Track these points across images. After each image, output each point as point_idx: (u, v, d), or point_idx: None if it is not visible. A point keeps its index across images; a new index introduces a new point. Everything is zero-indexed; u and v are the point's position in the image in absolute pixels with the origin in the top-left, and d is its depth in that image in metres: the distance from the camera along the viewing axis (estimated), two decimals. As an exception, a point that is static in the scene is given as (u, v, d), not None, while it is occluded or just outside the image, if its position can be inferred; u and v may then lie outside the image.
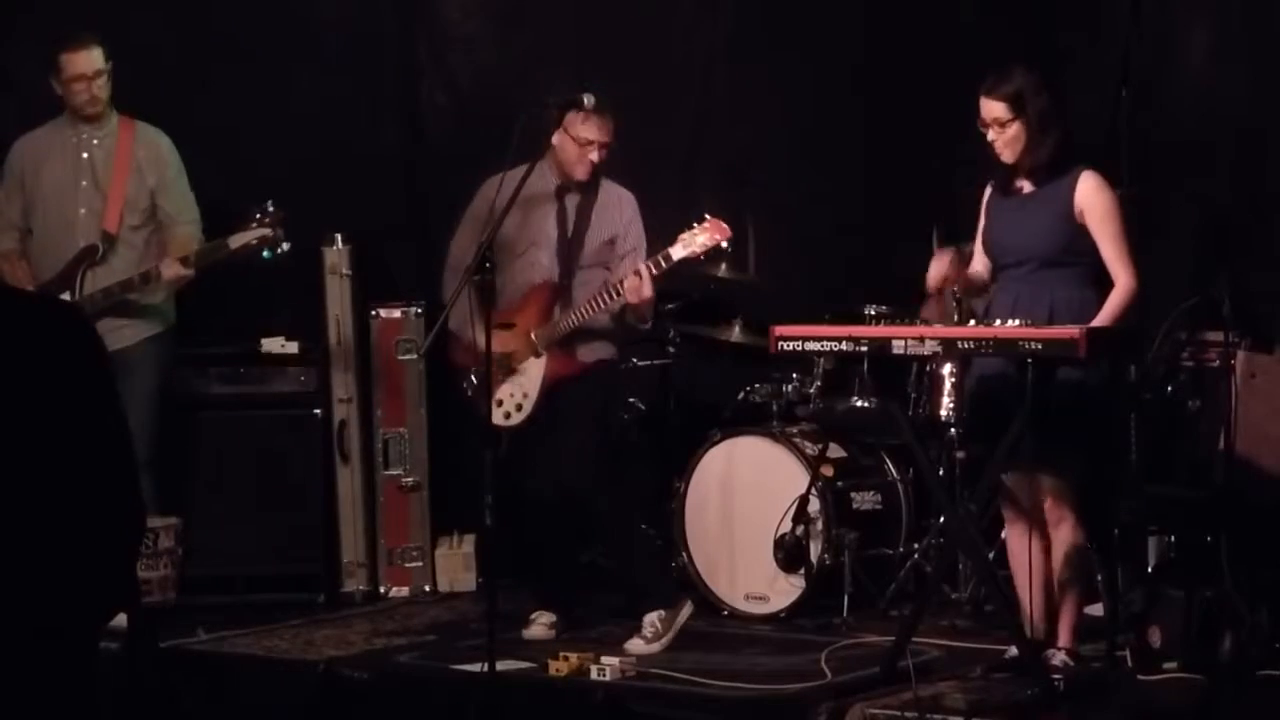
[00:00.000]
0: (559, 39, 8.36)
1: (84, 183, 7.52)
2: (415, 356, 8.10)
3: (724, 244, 6.87)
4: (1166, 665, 6.14)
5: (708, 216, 6.86)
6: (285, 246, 7.39)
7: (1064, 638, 6.15)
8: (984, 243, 6.32)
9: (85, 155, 7.55)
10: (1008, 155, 6.15)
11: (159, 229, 7.57)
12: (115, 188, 7.50)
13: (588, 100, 6.82)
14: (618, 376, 7.32)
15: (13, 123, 7.73)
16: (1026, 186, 6.20)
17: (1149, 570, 6.63)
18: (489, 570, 6.98)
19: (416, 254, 8.45)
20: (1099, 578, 6.52)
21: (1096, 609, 6.47)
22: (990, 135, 6.13)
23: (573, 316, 6.94)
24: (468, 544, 8.12)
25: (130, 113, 7.62)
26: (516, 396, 6.99)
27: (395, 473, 8.16)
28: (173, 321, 7.66)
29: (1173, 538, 6.61)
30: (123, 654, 6.50)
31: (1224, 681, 5.99)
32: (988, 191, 6.34)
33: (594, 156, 6.92)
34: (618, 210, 7.04)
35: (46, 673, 3.47)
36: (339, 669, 6.66)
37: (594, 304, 6.91)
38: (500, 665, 6.17)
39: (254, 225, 7.40)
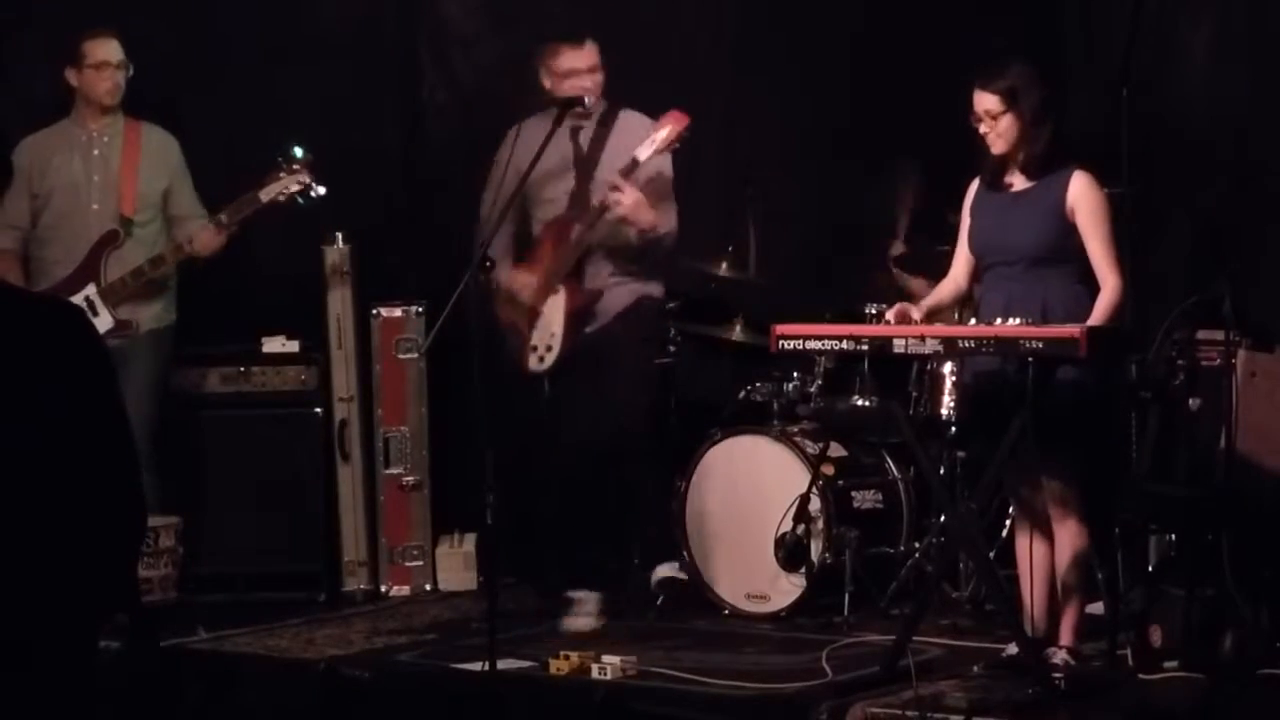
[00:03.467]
0: (560, 38, 8.35)
1: (96, 178, 7.57)
2: (416, 355, 8.10)
3: (685, 132, 6.83)
4: (1167, 664, 6.13)
5: (670, 113, 6.86)
6: (320, 191, 7.45)
7: (1065, 637, 6.15)
8: (970, 240, 6.31)
9: (96, 152, 7.60)
10: (999, 146, 6.14)
11: (168, 225, 7.60)
12: (126, 175, 7.54)
13: (588, 100, 6.83)
14: (655, 318, 7.27)
15: (13, 123, 7.74)
16: (1017, 183, 6.20)
17: (1149, 569, 6.63)
18: (490, 569, 6.97)
19: (417, 253, 8.46)
20: (1099, 577, 6.52)
21: (1097, 608, 6.47)
22: (982, 128, 6.13)
23: (574, 245, 6.92)
24: (468, 543, 8.12)
25: (131, 113, 7.64)
26: (545, 338, 6.97)
27: (396, 471, 8.16)
28: (173, 319, 7.67)
29: (1173, 537, 6.61)
30: (123, 654, 6.51)
31: (1224, 681, 5.98)
32: (972, 188, 6.34)
33: (586, 83, 6.91)
34: (633, 138, 7.00)
35: (46, 672, 3.47)
36: (340, 668, 6.66)
37: (584, 223, 6.88)
38: (501, 664, 6.17)
39: (282, 175, 7.43)
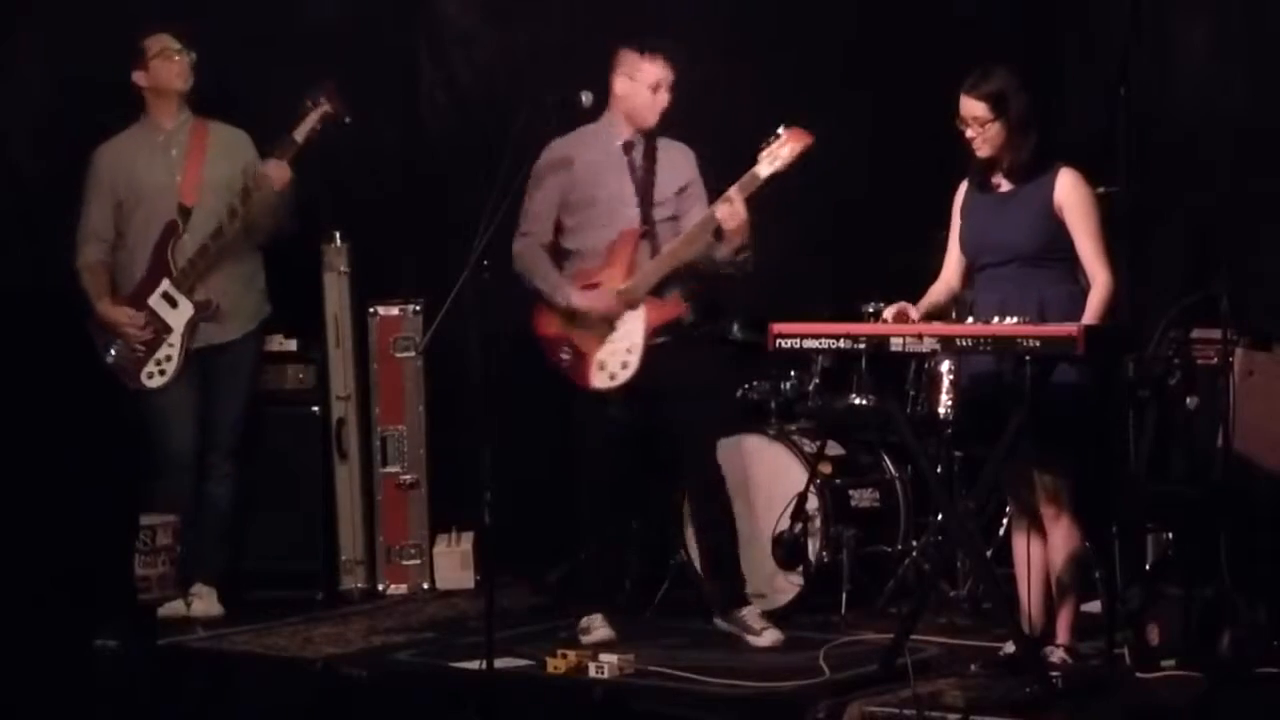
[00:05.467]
0: (558, 36, 8.37)
1: (178, 179, 7.60)
2: (413, 354, 8.11)
3: (807, 150, 6.76)
4: (1165, 663, 6.14)
5: (783, 128, 6.79)
6: (347, 118, 7.55)
7: (1062, 635, 6.16)
8: (961, 242, 6.33)
9: (174, 152, 7.63)
10: (985, 151, 6.17)
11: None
12: (191, 166, 7.59)
13: (585, 98, 6.84)
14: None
15: (12, 123, 7.74)
16: (1004, 184, 6.22)
17: (1147, 568, 6.63)
18: (487, 568, 6.97)
19: (415, 251, 8.46)
20: (1097, 575, 6.53)
21: (1095, 606, 6.48)
22: (969, 133, 6.16)
23: (665, 260, 6.88)
24: (466, 541, 8.12)
25: (199, 112, 7.72)
26: (619, 354, 6.89)
27: (393, 470, 8.17)
28: (268, 311, 7.78)
29: (1171, 535, 6.61)
30: (122, 652, 6.51)
31: (1222, 679, 5.99)
32: (961, 189, 6.36)
33: (665, 100, 6.92)
34: (683, 160, 7.06)
35: (43, 670, 3.48)
36: (337, 667, 6.66)
37: (686, 242, 6.85)
38: (498, 663, 6.17)
39: (310, 111, 7.52)
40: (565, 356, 6.97)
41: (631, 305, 6.91)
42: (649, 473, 7.25)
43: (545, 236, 7.00)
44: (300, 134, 7.52)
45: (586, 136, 7.02)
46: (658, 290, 6.94)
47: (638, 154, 7.03)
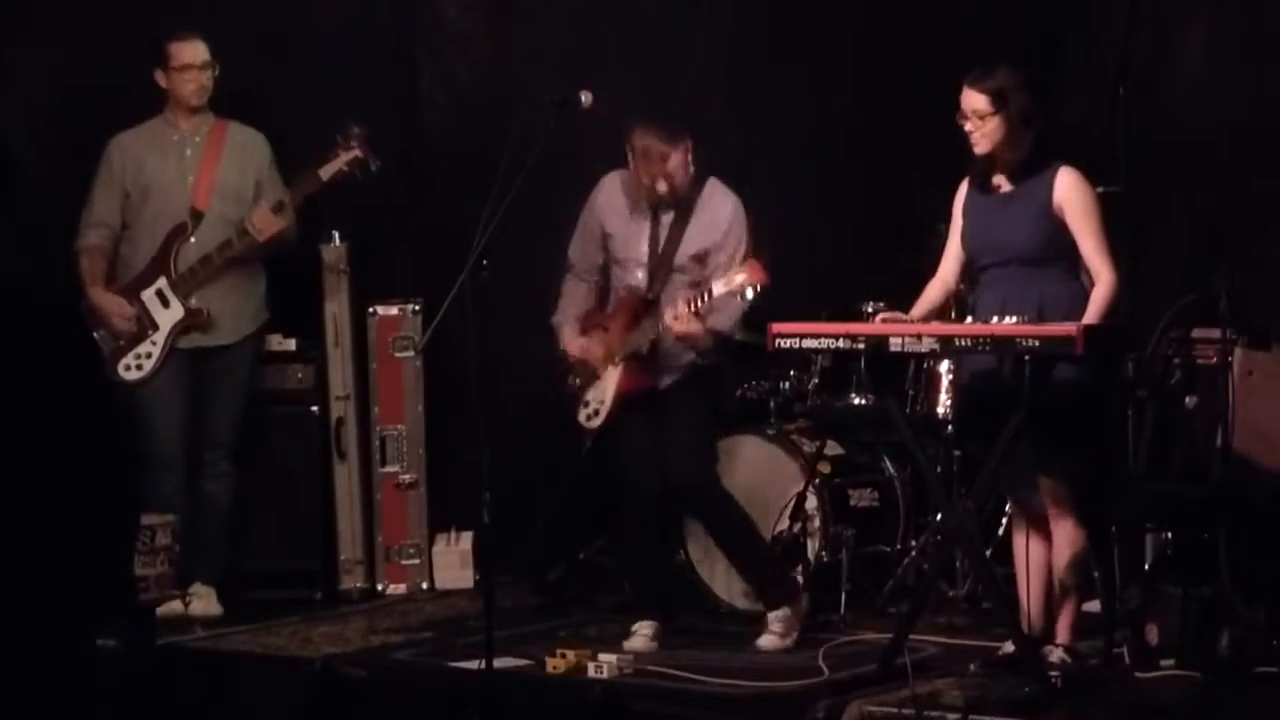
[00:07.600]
0: (557, 36, 8.37)
1: (190, 178, 7.64)
2: (412, 354, 8.11)
3: (756, 289, 6.66)
4: (1163, 663, 6.15)
5: (751, 260, 6.74)
6: (375, 166, 7.60)
7: (1062, 635, 6.16)
8: (962, 242, 6.32)
9: (189, 152, 7.67)
10: (983, 147, 6.15)
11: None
12: (205, 169, 7.62)
13: (585, 98, 6.82)
14: (718, 376, 7.17)
15: (13, 123, 7.74)
16: (1004, 185, 6.21)
17: (1146, 568, 6.64)
18: (486, 567, 6.97)
19: (414, 251, 8.46)
20: (1096, 575, 6.53)
21: (1094, 606, 6.48)
22: (968, 127, 6.14)
23: (646, 335, 6.87)
24: (465, 541, 8.12)
25: (220, 112, 7.74)
26: (594, 402, 6.99)
27: (392, 470, 8.17)
28: (267, 316, 7.81)
29: (1170, 535, 6.62)
30: (121, 652, 6.50)
31: (1221, 679, 6.00)
32: (962, 190, 6.35)
33: (662, 188, 6.81)
34: (713, 223, 6.87)
35: (43, 670, 3.47)
36: (336, 666, 6.67)
37: (641, 333, 6.88)
38: (498, 662, 6.17)
39: (340, 152, 7.57)
40: (573, 382, 7.05)
41: (614, 361, 6.95)
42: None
43: (589, 275, 7.08)
44: (326, 173, 7.59)
45: (624, 175, 6.97)
46: (644, 357, 6.91)
47: (666, 213, 6.90)
